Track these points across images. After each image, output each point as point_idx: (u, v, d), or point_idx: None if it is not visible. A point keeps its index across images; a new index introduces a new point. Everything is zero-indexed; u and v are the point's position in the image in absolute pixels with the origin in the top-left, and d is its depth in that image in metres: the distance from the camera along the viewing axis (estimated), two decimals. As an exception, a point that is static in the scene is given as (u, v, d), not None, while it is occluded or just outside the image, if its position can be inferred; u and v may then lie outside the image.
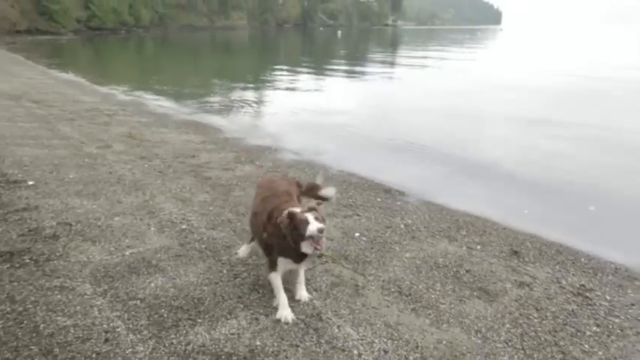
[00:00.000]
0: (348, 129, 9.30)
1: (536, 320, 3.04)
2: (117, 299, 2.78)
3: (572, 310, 3.19)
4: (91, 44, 46.43)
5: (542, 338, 2.85)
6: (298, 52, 39.71)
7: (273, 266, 2.80)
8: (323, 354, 2.49)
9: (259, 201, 3.05)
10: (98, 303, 2.72)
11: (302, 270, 3.00)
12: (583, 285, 3.56)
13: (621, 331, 2.98)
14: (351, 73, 20.86)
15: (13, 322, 2.54)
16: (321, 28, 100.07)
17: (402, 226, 4.54)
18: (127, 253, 3.42)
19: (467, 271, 3.64)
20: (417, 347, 2.64)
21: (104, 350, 2.31)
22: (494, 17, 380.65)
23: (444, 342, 2.73)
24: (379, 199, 5.33)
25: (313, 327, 2.72)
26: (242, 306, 2.85)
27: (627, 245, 4.48)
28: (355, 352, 2.54)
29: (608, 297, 3.40)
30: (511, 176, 6.51)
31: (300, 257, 2.69)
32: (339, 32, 77.48)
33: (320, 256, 3.42)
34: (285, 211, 2.60)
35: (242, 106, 12.14)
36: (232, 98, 13.47)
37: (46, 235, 3.61)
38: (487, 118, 10.20)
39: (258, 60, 29.46)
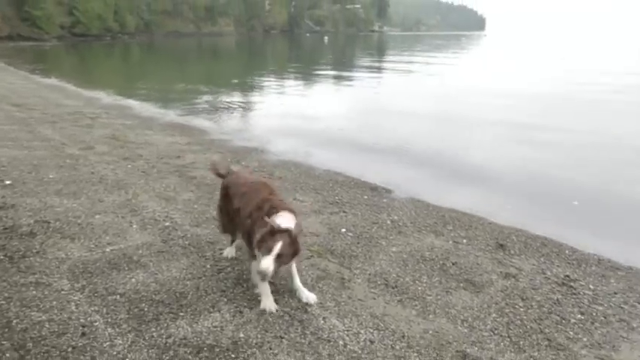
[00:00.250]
0: (335, 132, 9.29)
1: (521, 309, 3.04)
2: (95, 294, 2.69)
3: (557, 300, 3.20)
4: (75, 50, 45.87)
5: (528, 326, 2.85)
6: (285, 57, 39.76)
7: (255, 257, 2.76)
8: (308, 345, 2.45)
9: (240, 198, 2.95)
10: (75, 298, 2.63)
11: (293, 269, 2.89)
12: (567, 275, 3.58)
13: (605, 318, 3.00)
14: (337, 78, 20.92)
15: (-16, 319, 2.45)
16: (308, 34, 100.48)
17: (389, 221, 4.53)
18: (108, 249, 3.33)
19: (453, 264, 3.64)
20: (403, 337, 2.62)
21: (80, 344, 2.23)
22: (478, 23, 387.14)
23: (431, 331, 2.71)
24: (365, 197, 5.31)
25: (298, 319, 2.68)
26: (225, 299, 2.80)
27: (610, 237, 4.54)
28: (341, 342, 2.50)
29: (591, 286, 3.43)
30: (496, 176, 6.56)
31: None
32: (326, 38, 77.87)
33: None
34: (270, 226, 2.47)
35: (229, 110, 12.07)
36: (219, 103, 13.37)
37: (22, 232, 3.50)
38: (472, 122, 10.27)
39: (245, 65, 29.38)
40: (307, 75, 22.50)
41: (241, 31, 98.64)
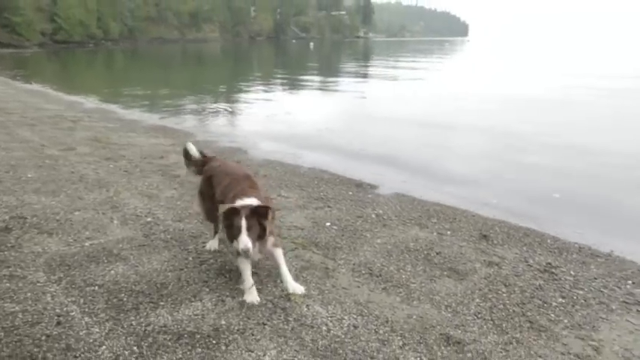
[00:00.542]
0: (321, 136, 9.23)
1: (504, 295, 3.07)
2: (73, 286, 2.63)
3: (539, 285, 3.24)
4: (56, 57, 45.20)
5: (511, 310, 2.87)
6: (271, 63, 39.78)
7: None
8: (291, 330, 2.42)
9: (221, 188, 2.92)
10: (51, 290, 2.56)
11: (279, 258, 2.88)
12: (549, 263, 3.63)
13: (585, 301, 3.04)
14: (324, 83, 20.99)
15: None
16: (294, 41, 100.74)
17: (374, 215, 4.54)
18: (87, 244, 3.26)
19: (437, 254, 3.66)
20: (387, 322, 2.61)
21: (55, 333, 2.17)
22: (461, 30, 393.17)
23: (415, 316, 2.71)
24: (350, 193, 5.32)
25: (281, 307, 2.65)
26: (207, 289, 2.76)
27: (590, 227, 4.61)
28: (324, 328, 2.49)
29: (572, 272, 3.48)
30: (480, 173, 6.61)
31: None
32: (312, 44, 78.20)
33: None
34: (237, 203, 2.53)
35: (214, 115, 11.98)
36: (204, 107, 13.26)
37: (-3, 228, 3.41)
38: (455, 125, 10.35)
39: (231, 72, 29.31)
40: (293, 81, 22.50)
41: (226, 38, 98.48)
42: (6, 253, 2.99)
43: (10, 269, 2.77)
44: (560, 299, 3.05)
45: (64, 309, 2.39)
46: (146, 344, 2.18)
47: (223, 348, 2.21)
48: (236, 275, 2.92)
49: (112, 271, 2.87)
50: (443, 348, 2.42)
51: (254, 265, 2.86)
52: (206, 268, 3.05)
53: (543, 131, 9.23)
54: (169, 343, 2.20)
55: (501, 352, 2.43)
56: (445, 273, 3.33)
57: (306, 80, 22.50)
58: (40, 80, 20.00)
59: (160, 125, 9.84)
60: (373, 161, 7.39)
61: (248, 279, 2.72)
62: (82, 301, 2.49)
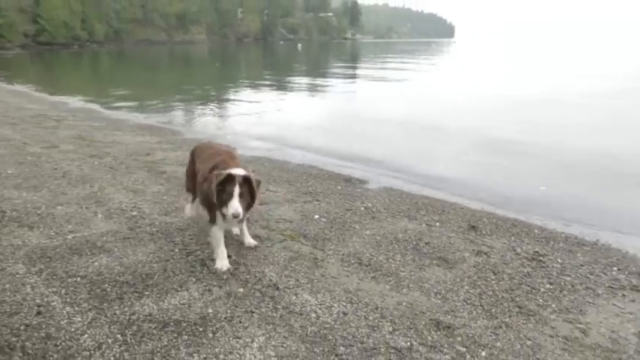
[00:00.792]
0: (309, 136, 9.17)
1: (493, 282, 3.08)
2: (54, 277, 2.55)
3: (527, 272, 3.26)
4: (40, 59, 44.37)
5: (500, 296, 2.88)
6: (259, 65, 39.60)
7: (213, 220, 2.87)
8: (279, 318, 2.39)
9: (202, 161, 3.13)
10: (31, 281, 2.49)
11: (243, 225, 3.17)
12: (537, 251, 3.66)
13: (572, 287, 3.07)
14: (312, 85, 20.95)
15: None
16: (282, 42, 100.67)
17: (362, 208, 4.53)
18: (69, 237, 3.18)
19: (426, 244, 3.66)
20: (376, 308, 2.59)
21: (35, 322, 2.10)
22: (447, 31, 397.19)
23: (404, 303, 2.70)
24: (339, 187, 5.30)
25: (269, 295, 2.61)
26: (194, 279, 2.70)
27: (576, 218, 4.67)
28: (313, 315, 2.45)
29: (559, 260, 3.51)
30: (468, 169, 6.66)
31: None
32: (300, 45, 78.13)
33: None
34: (226, 171, 2.66)
35: (202, 114, 11.85)
36: (192, 107, 13.09)
37: (-26, 222, 3.31)
38: (443, 124, 10.38)
39: (219, 73, 29.08)
40: (282, 82, 22.39)
41: (214, 39, 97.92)
42: (-16, 246, 2.90)
43: (-12, 262, 2.69)
44: (548, 285, 3.08)
45: (45, 299, 2.32)
46: (130, 332, 2.12)
47: (210, 335, 2.17)
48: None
49: (96, 263, 2.80)
50: (433, 332, 2.41)
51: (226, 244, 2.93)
52: (193, 259, 3.00)
53: (528, 129, 9.33)
54: (154, 331, 2.14)
55: (491, 336, 2.42)
56: (434, 262, 3.33)
57: (295, 81, 22.44)
58: (23, 81, 19.60)
59: (146, 124, 9.70)
60: (361, 159, 7.36)
61: (221, 246, 2.91)
62: (63, 291, 2.42)
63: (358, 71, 28.92)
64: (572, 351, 2.34)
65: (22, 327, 2.05)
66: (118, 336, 2.09)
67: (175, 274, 2.75)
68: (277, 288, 2.71)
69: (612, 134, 8.88)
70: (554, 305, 2.80)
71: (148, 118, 10.60)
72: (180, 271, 2.81)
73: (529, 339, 2.42)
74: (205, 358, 2.02)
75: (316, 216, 4.17)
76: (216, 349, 2.08)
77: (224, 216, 2.70)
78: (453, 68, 30.56)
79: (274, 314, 2.42)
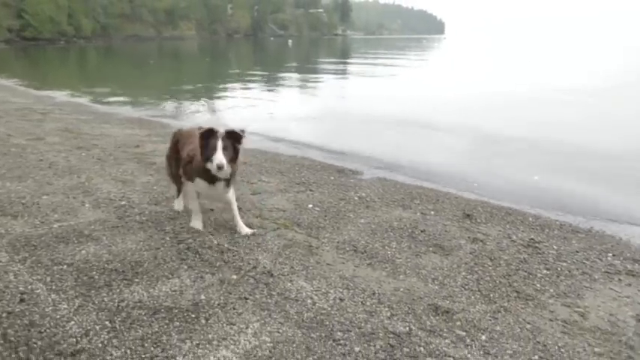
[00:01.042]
0: (300, 129, 9.10)
1: (490, 268, 3.05)
2: (39, 265, 2.45)
3: (524, 258, 3.24)
4: (24, 54, 43.47)
5: (497, 281, 2.85)
6: (250, 60, 39.25)
7: (191, 178, 3.00)
8: (274, 304, 2.32)
9: (185, 145, 3.20)
10: (15, 269, 2.38)
11: (233, 205, 3.21)
12: (532, 238, 3.64)
13: (569, 272, 3.05)
14: (303, 81, 20.81)
15: None
16: (272, 38, 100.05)
17: (356, 198, 4.47)
18: (55, 225, 3.07)
19: (422, 231, 3.62)
20: (373, 294, 2.54)
21: (18, 309, 2.00)
22: (437, 27, 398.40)
23: (402, 289, 2.65)
24: (332, 178, 5.25)
25: (264, 282, 2.54)
26: (186, 267, 2.62)
27: (569, 206, 4.68)
28: (309, 301, 2.39)
29: (555, 246, 3.50)
30: (461, 160, 6.64)
31: (212, 178, 2.86)
32: (290, 42, 77.79)
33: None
34: (208, 128, 2.79)
35: (192, 108, 11.68)
36: (182, 102, 12.88)
37: (-45, 212, 3.18)
38: (436, 119, 10.32)
39: (209, 69, 28.76)
40: (273, 78, 22.19)
41: (204, 35, 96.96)
42: (-36, 234, 2.78)
43: (-31, 250, 2.57)
44: (545, 271, 3.06)
45: (29, 287, 2.22)
46: (119, 319, 2.03)
47: (203, 322, 2.09)
48: (216, 251, 2.80)
49: (83, 251, 2.70)
50: (432, 317, 2.36)
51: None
52: (184, 247, 2.91)
53: (517, 125, 9.34)
54: (145, 318, 2.06)
55: (490, 320, 2.39)
56: (431, 249, 3.30)
57: (285, 77, 22.27)
58: (7, 76, 19.17)
59: (135, 117, 9.53)
60: (353, 152, 7.29)
61: (197, 208, 3.16)
62: (48, 279, 2.32)
63: (349, 67, 28.80)
64: (572, 334, 2.31)
65: (4, 315, 1.96)
66: (107, 323, 2.00)
67: (166, 262, 2.66)
68: (271, 275, 2.64)
69: (598, 130, 8.93)
70: (551, 290, 2.78)
71: (137, 112, 10.42)
72: (171, 258, 2.72)
73: (528, 323, 2.39)
74: (198, 344, 1.95)
75: (310, 205, 4.11)
76: (210, 335, 2.01)
77: (208, 176, 2.82)
78: (444, 64, 30.64)
79: (269, 300, 2.35)
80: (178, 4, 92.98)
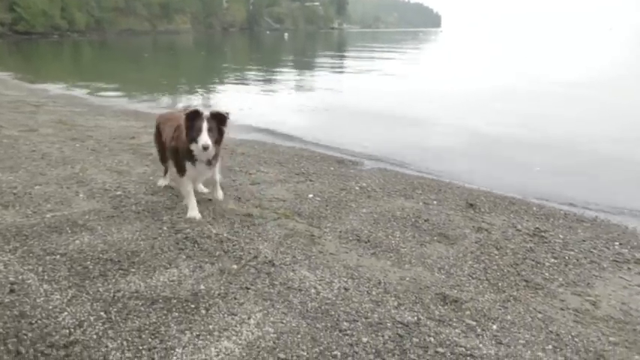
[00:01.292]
0: (298, 122, 8.96)
1: (497, 257, 2.98)
2: (30, 255, 2.35)
3: (530, 247, 3.17)
4: (17, 48, 42.87)
5: (505, 270, 2.78)
6: (246, 55, 38.90)
7: (181, 171, 2.98)
8: (277, 294, 2.23)
9: (166, 129, 3.23)
10: (5, 259, 2.28)
11: (216, 176, 3.34)
12: (538, 228, 3.57)
13: (577, 261, 2.99)
14: (300, 74, 20.63)
15: None
16: (268, 32, 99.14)
17: (357, 188, 4.39)
18: (48, 215, 2.96)
19: (425, 221, 3.55)
20: (379, 284, 2.46)
21: (7, 300, 1.90)
22: (434, 21, 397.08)
23: (408, 278, 2.57)
24: (332, 168, 5.16)
25: (265, 272, 2.46)
26: (184, 257, 2.53)
27: (572, 196, 4.61)
28: (313, 290, 2.31)
29: (561, 236, 3.43)
30: (461, 151, 6.56)
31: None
32: (286, 35, 77.21)
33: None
34: (193, 109, 2.77)
35: (188, 101, 11.51)
36: (177, 95, 12.73)
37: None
38: (435, 112, 10.20)
39: (205, 63, 28.48)
40: (268, 72, 21.98)
41: (199, 29, 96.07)
42: (-47, 224, 2.67)
43: (-43, 240, 2.46)
44: (553, 260, 2.99)
45: (19, 277, 2.12)
46: (115, 310, 1.94)
47: (203, 312, 2.00)
48: (215, 241, 2.71)
49: (77, 241, 2.60)
50: (440, 307, 2.28)
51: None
52: (182, 236, 2.81)
53: (515, 118, 9.25)
54: (142, 308, 1.97)
55: (500, 309, 2.31)
56: (435, 238, 3.22)
57: (282, 71, 22.06)
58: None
59: (131, 109, 9.38)
60: (353, 143, 7.18)
61: (191, 197, 3.12)
62: (40, 269, 2.22)
63: (346, 61, 28.60)
64: (585, 323, 2.24)
65: (-7, 305, 1.87)
66: (102, 313, 1.91)
67: (164, 252, 2.57)
68: (273, 264, 2.55)
69: (598, 122, 8.86)
70: (560, 279, 2.71)
71: (133, 104, 10.25)
72: (169, 248, 2.63)
73: (539, 312, 2.31)
74: (198, 335, 1.86)
75: (310, 195, 4.02)
76: (210, 326, 1.92)
77: (194, 158, 2.82)
78: (442, 57, 30.49)
79: (271, 290, 2.26)
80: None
